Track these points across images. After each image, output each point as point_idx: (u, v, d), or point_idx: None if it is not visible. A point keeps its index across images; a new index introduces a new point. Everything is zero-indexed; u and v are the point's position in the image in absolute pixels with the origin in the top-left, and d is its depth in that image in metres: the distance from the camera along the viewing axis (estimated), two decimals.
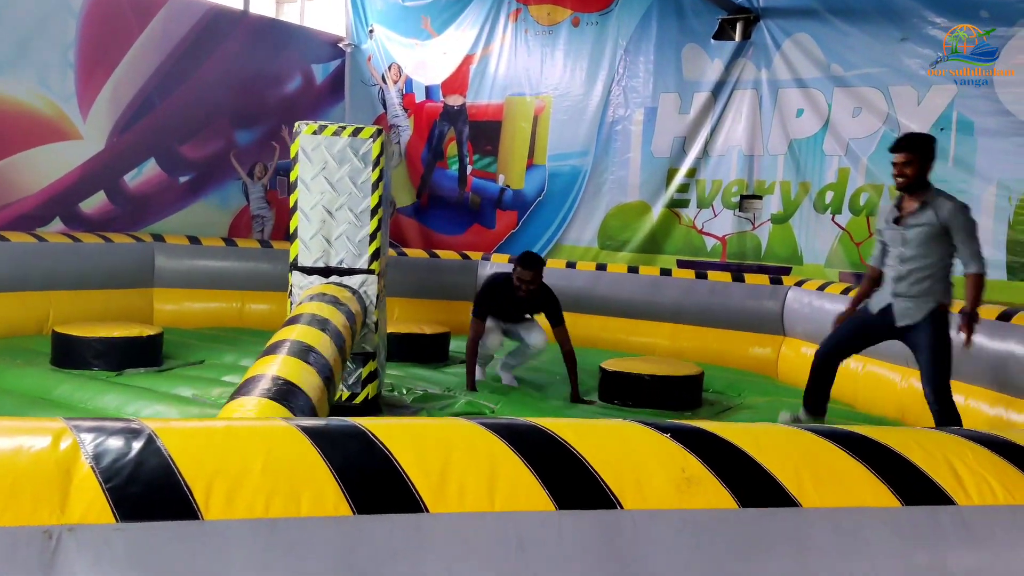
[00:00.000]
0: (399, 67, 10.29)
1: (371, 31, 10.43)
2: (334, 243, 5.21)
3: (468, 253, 9.06)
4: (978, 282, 4.55)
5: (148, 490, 1.40)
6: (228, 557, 1.38)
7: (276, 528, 1.41)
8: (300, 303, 4.76)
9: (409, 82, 10.28)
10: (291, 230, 5.25)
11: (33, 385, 5.51)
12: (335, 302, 4.48)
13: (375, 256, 5.24)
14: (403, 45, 10.25)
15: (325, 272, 5.23)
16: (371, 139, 5.20)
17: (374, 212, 5.23)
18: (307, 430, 1.58)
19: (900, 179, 4.64)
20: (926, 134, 5.11)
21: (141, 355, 6.25)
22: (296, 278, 5.22)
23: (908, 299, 4.66)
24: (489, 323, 6.12)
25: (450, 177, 10.11)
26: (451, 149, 10.08)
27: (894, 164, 4.66)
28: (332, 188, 5.18)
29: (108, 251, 7.82)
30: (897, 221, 4.72)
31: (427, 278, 8.62)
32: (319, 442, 1.55)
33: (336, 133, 5.17)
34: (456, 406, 5.55)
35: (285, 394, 2.78)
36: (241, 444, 1.54)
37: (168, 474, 1.42)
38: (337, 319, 4.15)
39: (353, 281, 5.23)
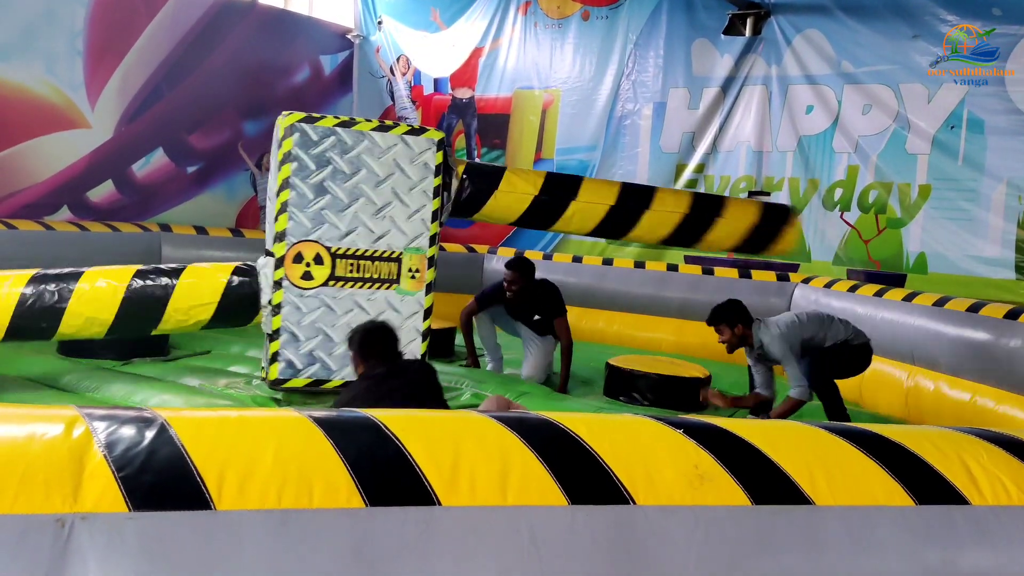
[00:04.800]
0: (408, 59, 10.27)
1: (380, 23, 10.41)
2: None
3: (474, 246, 9.04)
4: (794, 404, 4.96)
5: (160, 479, 1.39)
6: (239, 548, 1.37)
7: (288, 519, 1.40)
8: None
9: (418, 74, 10.26)
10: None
11: (41, 373, 5.51)
12: None
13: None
14: (412, 37, 10.23)
15: None
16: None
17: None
18: (320, 421, 1.58)
19: (726, 345, 5.16)
20: (733, 302, 5.23)
21: (148, 345, 6.24)
22: None
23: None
24: (487, 315, 6.37)
25: None
26: (459, 142, 10.07)
27: (717, 333, 5.12)
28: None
29: (115, 240, 7.81)
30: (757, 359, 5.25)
31: None
32: (332, 433, 1.54)
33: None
34: (462, 399, 5.54)
35: None
36: (253, 434, 1.53)
37: (180, 464, 1.42)
38: None
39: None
